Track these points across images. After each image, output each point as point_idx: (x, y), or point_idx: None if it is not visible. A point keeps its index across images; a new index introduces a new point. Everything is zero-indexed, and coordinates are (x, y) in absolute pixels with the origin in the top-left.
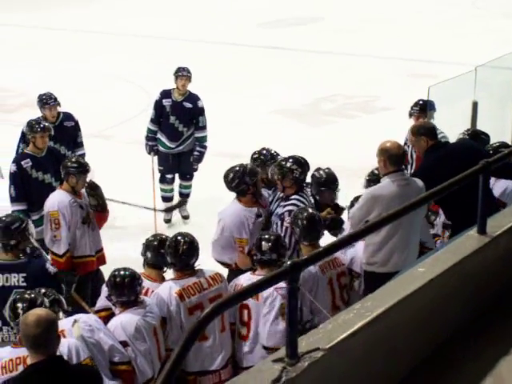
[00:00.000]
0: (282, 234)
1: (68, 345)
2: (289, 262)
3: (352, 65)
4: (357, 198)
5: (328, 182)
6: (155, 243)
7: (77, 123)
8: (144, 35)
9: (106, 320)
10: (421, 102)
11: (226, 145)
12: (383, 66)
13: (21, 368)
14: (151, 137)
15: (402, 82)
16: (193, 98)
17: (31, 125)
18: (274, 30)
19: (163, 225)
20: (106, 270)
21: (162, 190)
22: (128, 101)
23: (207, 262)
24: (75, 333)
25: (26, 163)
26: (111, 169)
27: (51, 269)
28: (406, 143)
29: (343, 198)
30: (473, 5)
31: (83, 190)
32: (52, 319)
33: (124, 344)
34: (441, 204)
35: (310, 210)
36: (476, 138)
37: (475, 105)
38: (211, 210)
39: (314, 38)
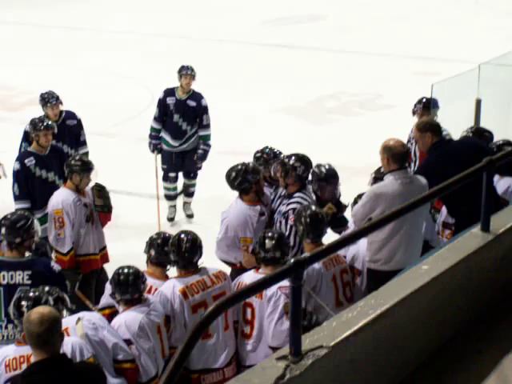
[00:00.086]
0: (287, 233)
1: (72, 343)
2: (292, 260)
3: (356, 62)
4: (360, 196)
5: (328, 177)
6: (159, 241)
7: (79, 121)
8: (147, 33)
9: (109, 318)
10: (424, 100)
11: (230, 143)
12: (387, 63)
13: (24, 366)
14: (155, 135)
15: (405, 80)
16: (196, 97)
17: (34, 123)
18: (277, 27)
19: (167, 223)
20: (110, 268)
21: (166, 188)
22: (131, 99)
23: (211, 260)
24: (79, 331)
25: (30, 161)
26: (115, 167)
27: (56, 267)
28: (409, 141)
29: (346, 196)
30: (476, 2)
31: (87, 189)
32: (55, 317)
33: (128, 342)
34: (444, 201)
35: (314, 208)
36: (479, 135)
37: (478, 102)
38: (215, 209)
39: (318, 35)
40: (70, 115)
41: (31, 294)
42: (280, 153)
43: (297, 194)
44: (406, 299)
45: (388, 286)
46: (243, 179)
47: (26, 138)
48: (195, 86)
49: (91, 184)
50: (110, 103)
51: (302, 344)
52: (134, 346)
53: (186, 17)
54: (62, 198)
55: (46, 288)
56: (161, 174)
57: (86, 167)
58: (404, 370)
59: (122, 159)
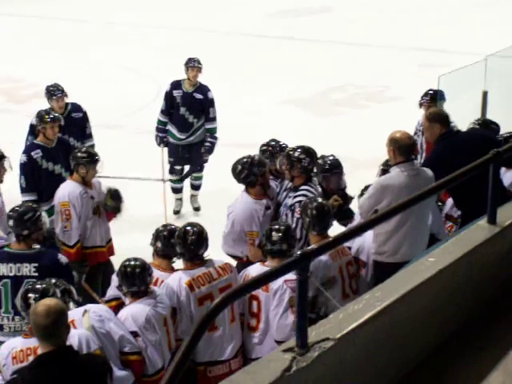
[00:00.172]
0: (293, 225)
1: (78, 336)
2: (298, 252)
3: (362, 55)
4: (367, 188)
5: (332, 168)
6: (165, 233)
7: (85, 114)
8: (154, 26)
9: (116, 310)
10: (431, 92)
11: (237, 135)
12: (393, 55)
13: (31, 358)
14: (161, 128)
15: (412, 72)
16: (203, 89)
17: (41, 115)
18: (284, 19)
19: (173, 216)
20: (117, 261)
21: (172, 181)
22: (138, 91)
23: (217, 253)
24: (85, 323)
25: (36, 154)
26: (121, 159)
27: (63, 259)
28: (415, 133)
29: (352, 188)
30: None
31: (94, 181)
32: (62, 309)
33: (134, 334)
34: (451, 193)
35: (320, 200)
36: (486, 127)
37: (485, 94)
38: (221, 202)
39: (325, 27)
40: (76, 108)
41: (38, 287)
42: (286, 146)
43: (303, 187)
44: (413, 291)
45: (394, 279)
46: (249, 172)
47: (32, 131)
48: (202, 79)
49: (103, 181)
50: (117, 96)
51: (309, 336)
52: (141, 339)
53: (193, 10)
54: (68, 190)
55: (53, 280)
56: (167, 166)
57: (92, 159)
58: (410, 361)
59: (128, 152)
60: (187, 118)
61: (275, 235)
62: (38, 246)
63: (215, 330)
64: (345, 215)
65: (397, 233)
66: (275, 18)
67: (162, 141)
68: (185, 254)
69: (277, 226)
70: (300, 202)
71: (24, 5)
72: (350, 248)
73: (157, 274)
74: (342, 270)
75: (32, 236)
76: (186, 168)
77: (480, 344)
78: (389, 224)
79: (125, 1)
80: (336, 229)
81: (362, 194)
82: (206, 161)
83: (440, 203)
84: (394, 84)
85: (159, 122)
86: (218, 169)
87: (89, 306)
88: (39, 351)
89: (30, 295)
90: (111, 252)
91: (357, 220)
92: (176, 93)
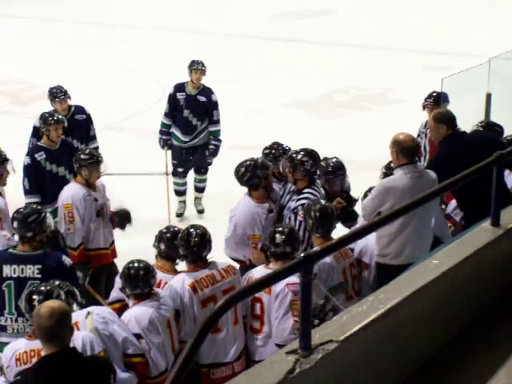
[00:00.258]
0: (296, 228)
1: (82, 338)
2: (302, 254)
3: (365, 57)
4: (370, 189)
5: (335, 170)
6: (168, 235)
7: (89, 116)
8: (157, 27)
9: (119, 312)
10: (434, 94)
11: (240, 137)
12: (396, 58)
13: (35, 360)
14: (165, 131)
15: (415, 74)
16: (207, 92)
17: (45, 117)
18: (287, 21)
19: (176, 219)
20: (121, 263)
21: (175, 183)
22: (141, 93)
23: (221, 256)
24: (88, 325)
25: (40, 156)
26: (124, 161)
27: (67, 261)
28: (419, 135)
29: (355, 190)
30: None
31: (98, 183)
32: (65, 311)
33: (138, 336)
34: (455, 194)
35: (323, 202)
36: (490, 129)
37: (489, 96)
38: (225, 204)
39: (328, 29)
40: (79, 110)
41: (42, 288)
42: (289, 148)
43: (306, 190)
44: (416, 294)
45: (398, 281)
46: (252, 175)
47: (35, 133)
48: (205, 81)
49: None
50: (120, 98)
51: (312, 338)
52: (144, 341)
53: (197, 11)
54: (71, 192)
55: (57, 282)
56: (171, 169)
57: (94, 160)
58: (414, 363)
59: (132, 154)
60: (191, 120)
61: (279, 237)
62: (42, 248)
63: (218, 332)
64: (349, 217)
65: (400, 235)
66: (278, 20)
67: (165, 143)
68: (188, 256)
69: (280, 229)
70: (303, 205)
71: (24, 7)
72: (352, 250)
73: (160, 275)
74: (345, 272)
75: (36, 238)
76: (190, 171)
77: (483, 346)
78: (392, 226)
79: (129, 1)
80: (340, 231)
81: (365, 196)
82: (210, 163)
83: (444, 206)
84: (397, 86)
85: (163, 124)
86: (221, 171)
87: (92, 308)
88: (43, 353)
89: (35, 297)
90: (114, 254)
91: (360, 222)
92: (179, 95)
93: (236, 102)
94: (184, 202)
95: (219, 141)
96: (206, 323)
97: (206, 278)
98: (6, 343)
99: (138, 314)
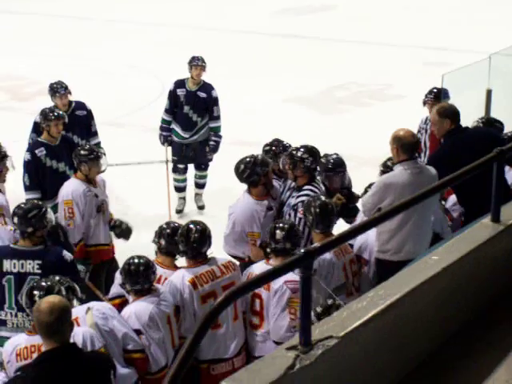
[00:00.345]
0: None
1: (83, 334)
2: (302, 250)
3: (365, 53)
4: (370, 185)
5: (335, 167)
6: (168, 230)
7: (90, 112)
8: (157, 23)
9: (119, 308)
10: (435, 90)
11: (240, 134)
12: (397, 53)
13: (35, 356)
14: (165, 127)
15: (415, 70)
16: (207, 88)
17: (45, 113)
18: (287, 18)
19: (176, 215)
20: (121, 259)
21: (175, 179)
22: (142, 89)
23: (221, 253)
24: (88, 320)
25: (40, 152)
26: (125, 157)
27: (68, 256)
28: (419, 131)
29: (355, 186)
30: None
31: (99, 179)
32: (65, 307)
33: (138, 332)
34: (455, 190)
35: (323, 198)
36: (490, 126)
37: (489, 93)
38: (225, 201)
39: (328, 25)
40: (80, 106)
41: (43, 284)
42: (289, 145)
43: (306, 187)
44: (416, 290)
45: (398, 277)
46: (252, 172)
47: (36, 128)
48: (206, 77)
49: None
50: (120, 93)
51: (312, 334)
52: (144, 337)
53: (197, 7)
54: (72, 188)
55: (56, 277)
56: (171, 165)
57: (94, 156)
58: (414, 359)
59: (132, 149)
60: (191, 116)
61: (279, 234)
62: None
63: (218, 328)
64: (351, 213)
65: (400, 231)
66: (278, 16)
67: (166, 140)
68: (188, 251)
69: (281, 225)
70: (303, 201)
71: (24, 2)
72: (351, 246)
73: (160, 271)
74: (345, 269)
75: (37, 233)
76: (190, 167)
77: (483, 342)
78: (392, 222)
79: None
80: (342, 227)
81: (365, 192)
82: (210, 160)
83: (443, 201)
84: (397, 82)
85: (163, 120)
86: (221, 167)
87: (92, 304)
88: (43, 349)
89: (35, 292)
90: (113, 251)
91: (360, 218)
92: (180, 91)
93: (236, 98)
94: (184, 198)
95: (219, 137)
96: (205, 319)
97: (205, 273)
98: (6, 337)
99: (138, 309)
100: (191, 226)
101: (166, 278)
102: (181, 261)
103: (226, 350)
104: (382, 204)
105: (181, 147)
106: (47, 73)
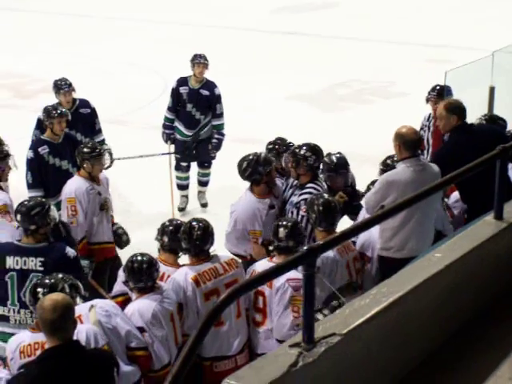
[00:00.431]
0: None
1: (86, 331)
2: (305, 247)
3: (368, 50)
4: (373, 183)
5: (338, 167)
6: (171, 228)
7: (94, 110)
8: (157, 20)
9: (122, 305)
10: (438, 87)
11: (243, 131)
12: (399, 51)
13: (39, 353)
14: (168, 125)
15: (418, 68)
16: (210, 86)
17: (48, 110)
18: (288, 15)
19: (179, 213)
20: (124, 256)
21: (178, 177)
22: (144, 87)
23: (224, 249)
24: (92, 318)
25: (43, 149)
26: (127, 154)
27: (71, 252)
28: (422, 128)
29: (358, 183)
30: None
31: (102, 176)
32: (68, 304)
33: (141, 330)
34: (458, 187)
35: (327, 196)
36: (493, 123)
37: (492, 90)
38: (228, 198)
39: (330, 23)
40: (84, 103)
41: (47, 281)
42: (292, 144)
43: (309, 185)
44: (419, 287)
45: (401, 274)
46: (254, 170)
47: (39, 125)
48: (206, 74)
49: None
50: (121, 91)
51: (315, 331)
52: (147, 334)
53: (197, 4)
54: (75, 186)
55: (59, 275)
56: (174, 163)
57: (96, 153)
58: (416, 357)
59: (135, 147)
60: (194, 114)
61: (282, 232)
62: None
63: (221, 325)
64: (355, 211)
65: (403, 228)
66: (280, 13)
67: (168, 138)
68: (190, 249)
69: (284, 223)
70: (305, 199)
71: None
72: (354, 243)
73: (163, 268)
74: (349, 266)
75: (40, 230)
76: (193, 165)
77: (486, 341)
78: (395, 219)
79: None
80: (346, 224)
81: (368, 190)
82: (213, 157)
83: (446, 199)
84: (399, 79)
85: (166, 118)
86: (224, 165)
87: (95, 302)
88: (47, 346)
89: (39, 290)
90: (115, 248)
91: (362, 215)
92: (182, 89)
93: (237, 96)
94: (186, 196)
95: (222, 135)
96: (208, 316)
97: (208, 271)
98: (9, 333)
99: (141, 307)
100: (194, 223)
101: (168, 276)
102: (184, 258)
103: (229, 348)
104: (385, 201)
105: (184, 145)
106: (48, 70)
